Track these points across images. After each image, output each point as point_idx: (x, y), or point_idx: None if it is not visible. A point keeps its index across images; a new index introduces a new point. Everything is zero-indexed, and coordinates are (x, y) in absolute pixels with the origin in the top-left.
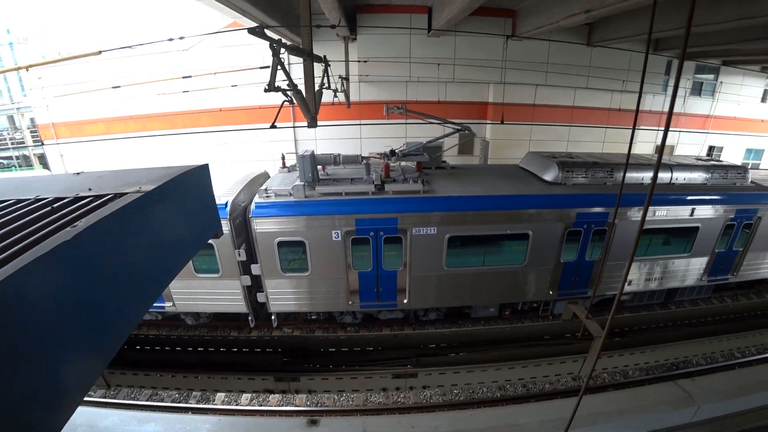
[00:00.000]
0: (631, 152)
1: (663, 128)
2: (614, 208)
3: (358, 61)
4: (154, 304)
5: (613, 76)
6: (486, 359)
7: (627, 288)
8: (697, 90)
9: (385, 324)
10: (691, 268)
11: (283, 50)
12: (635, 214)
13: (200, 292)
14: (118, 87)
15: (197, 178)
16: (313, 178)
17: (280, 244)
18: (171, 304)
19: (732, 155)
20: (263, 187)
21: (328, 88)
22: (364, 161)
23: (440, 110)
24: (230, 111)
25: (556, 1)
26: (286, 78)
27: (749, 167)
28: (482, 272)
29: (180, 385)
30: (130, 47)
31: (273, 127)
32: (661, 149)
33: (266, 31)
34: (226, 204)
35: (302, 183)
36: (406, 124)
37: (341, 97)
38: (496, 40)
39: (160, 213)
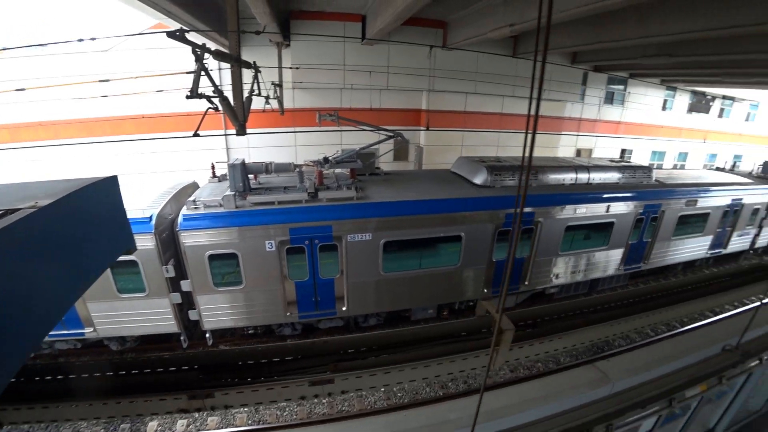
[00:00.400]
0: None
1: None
2: (540, 208)
3: (292, 68)
4: (72, 331)
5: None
6: (402, 360)
7: (555, 281)
8: (609, 99)
9: (327, 333)
10: (609, 259)
11: (207, 55)
12: (558, 212)
13: (125, 314)
14: (23, 90)
15: (104, 190)
16: (245, 188)
17: (212, 257)
18: (92, 329)
19: (640, 157)
20: (191, 198)
21: (259, 95)
22: (297, 169)
23: (375, 117)
24: (156, 118)
25: (484, 14)
26: (210, 84)
27: (654, 167)
28: (419, 275)
29: (85, 415)
30: (37, 46)
31: (196, 135)
32: (530, 154)
33: (196, 34)
34: (150, 217)
35: (233, 193)
36: (341, 131)
37: (274, 104)
38: (427, 49)
39: (59, 230)
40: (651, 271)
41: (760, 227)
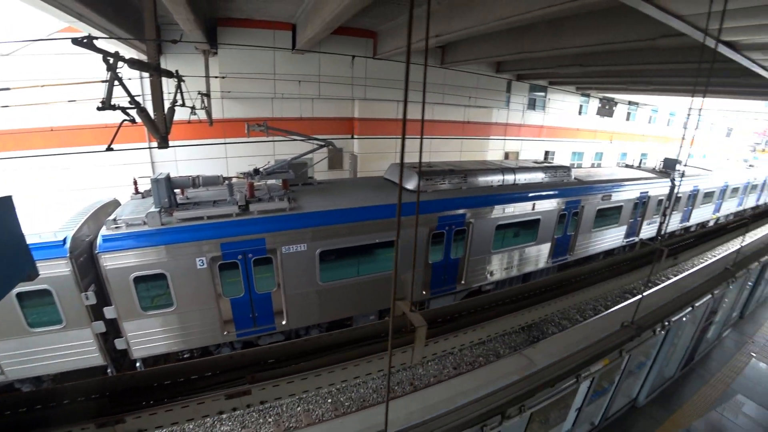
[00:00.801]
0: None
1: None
2: (471, 209)
3: (219, 77)
4: None
5: (464, 93)
6: (320, 364)
7: (490, 278)
8: (532, 105)
9: None
10: (539, 254)
11: (122, 64)
12: (488, 212)
13: (39, 351)
14: None
15: None
16: (170, 203)
17: (138, 279)
18: None
19: (562, 158)
20: (112, 217)
21: (183, 105)
22: (227, 182)
23: (308, 127)
24: (69, 131)
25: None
26: (126, 95)
27: (574, 167)
28: (358, 282)
29: None
30: None
31: (110, 149)
32: (420, 158)
33: (113, 40)
34: (64, 240)
35: (158, 209)
36: (274, 141)
37: (202, 114)
38: (358, 58)
39: None
40: (576, 262)
41: (664, 215)
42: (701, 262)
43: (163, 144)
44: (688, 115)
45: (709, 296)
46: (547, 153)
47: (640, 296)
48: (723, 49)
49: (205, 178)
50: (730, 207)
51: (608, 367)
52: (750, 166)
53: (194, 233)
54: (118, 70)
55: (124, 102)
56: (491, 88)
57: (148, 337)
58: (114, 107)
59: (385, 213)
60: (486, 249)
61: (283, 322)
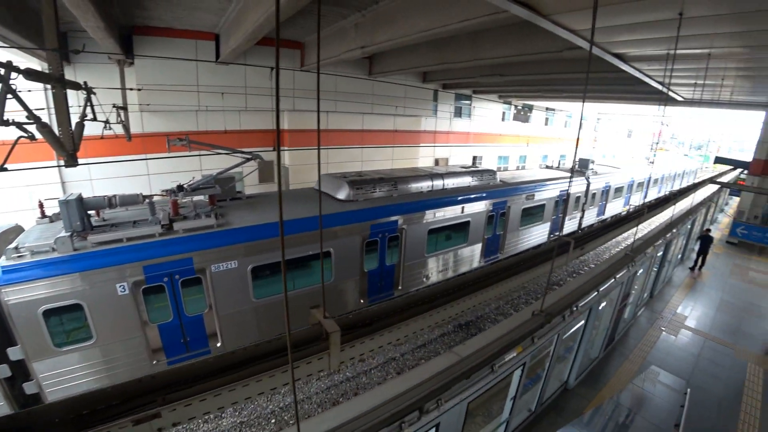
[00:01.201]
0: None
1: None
2: (402, 216)
3: (135, 89)
4: None
5: (392, 102)
6: (235, 379)
7: (426, 282)
8: (458, 113)
9: None
10: (471, 254)
11: (16, 74)
12: (420, 218)
13: None
14: None
15: None
16: (83, 226)
17: (48, 313)
18: None
19: (489, 162)
20: (13, 245)
21: (94, 119)
22: (147, 200)
23: (236, 139)
24: None
25: (337, 37)
26: (23, 109)
27: (501, 170)
28: (294, 296)
29: None
30: None
31: (3, 170)
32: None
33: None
34: None
35: (68, 233)
36: (200, 156)
37: (118, 129)
38: (286, 69)
39: None
40: (507, 260)
41: (583, 211)
42: (606, 251)
43: (71, 162)
44: (598, 119)
45: (612, 280)
46: (475, 158)
47: (545, 287)
48: (614, 60)
49: (122, 198)
50: (637, 199)
51: (523, 354)
52: (651, 162)
53: (112, 257)
54: (11, 82)
55: (23, 117)
56: (419, 98)
57: (64, 376)
58: (6, 122)
59: (315, 224)
60: (420, 254)
61: (218, 344)
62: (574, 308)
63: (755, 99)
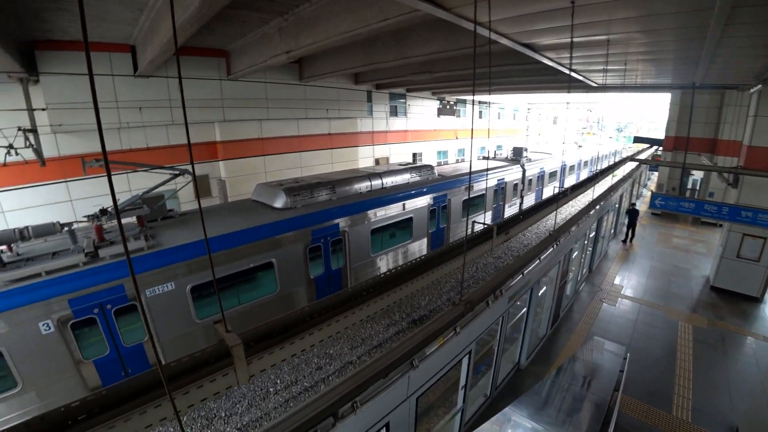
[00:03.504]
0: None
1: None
2: (343, 218)
3: (39, 109)
4: None
5: (326, 106)
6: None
7: None
8: (394, 112)
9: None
10: (419, 250)
11: None
12: (361, 219)
13: None
14: None
15: None
16: None
17: None
18: None
19: (429, 158)
20: None
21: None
22: (65, 228)
23: (166, 155)
24: None
25: (261, 43)
26: None
27: (442, 164)
28: (240, 311)
29: None
30: None
31: None
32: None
33: None
34: None
35: None
36: (127, 175)
37: (27, 154)
38: (213, 79)
39: None
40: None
41: (522, 197)
42: (532, 233)
43: None
44: (528, 109)
45: (537, 261)
46: (414, 155)
47: (461, 275)
48: (526, 51)
49: (35, 228)
50: (571, 182)
51: (445, 344)
52: (579, 147)
53: (29, 294)
54: None
55: None
56: (353, 99)
57: None
58: None
59: (252, 236)
60: (365, 254)
61: None
62: (498, 292)
63: (661, 81)
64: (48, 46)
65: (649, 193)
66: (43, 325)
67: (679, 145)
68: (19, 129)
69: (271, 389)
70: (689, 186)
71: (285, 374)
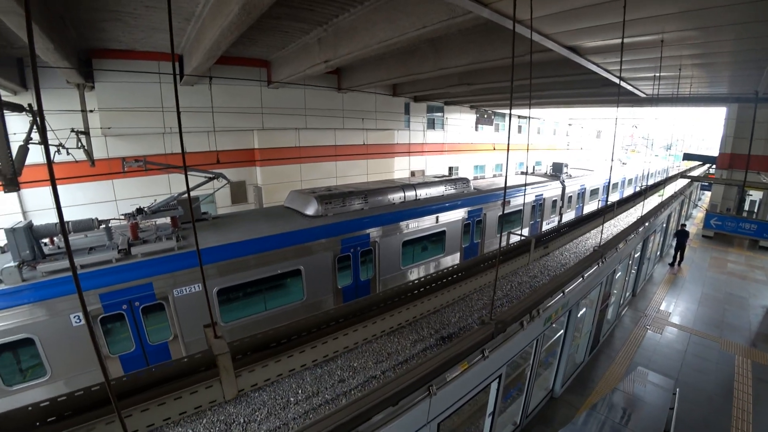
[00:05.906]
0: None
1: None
2: (374, 229)
3: (93, 111)
4: None
5: (363, 116)
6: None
7: None
8: (431, 125)
9: None
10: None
11: None
12: (393, 230)
13: None
14: None
15: None
16: (34, 255)
17: None
18: None
19: (465, 171)
20: None
21: (42, 143)
22: (103, 225)
23: (206, 160)
24: None
25: (301, 53)
26: None
27: (478, 178)
28: (265, 317)
29: None
30: None
31: None
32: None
33: None
34: None
35: (16, 264)
36: (168, 177)
37: (78, 154)
38: (253, 88)
39: None
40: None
41: (561, 215)
42: (573, 248)
43: (11, 187)
44: (570, 124)
45: (579, 279)
46: (450, 168)
47: (492, 291)
48: (569, 54)
49: (75, 223)
50: (613, 200)
51: (473, 367)
52: (623, 164)
53: (64, 287)
54: None
55: None
56: (390, 111)
57: None
58: None
59: (282, 242)
60: (396, 267)
61: None
62: (536, 312)
63: (715, 92)
64: (104, 54)
65: (700, 215)
66: (74, 317)
67: (735, 162)
68: (72, 130)
69: (291, 399)
70: (746, 207)
71: (307, 384)
